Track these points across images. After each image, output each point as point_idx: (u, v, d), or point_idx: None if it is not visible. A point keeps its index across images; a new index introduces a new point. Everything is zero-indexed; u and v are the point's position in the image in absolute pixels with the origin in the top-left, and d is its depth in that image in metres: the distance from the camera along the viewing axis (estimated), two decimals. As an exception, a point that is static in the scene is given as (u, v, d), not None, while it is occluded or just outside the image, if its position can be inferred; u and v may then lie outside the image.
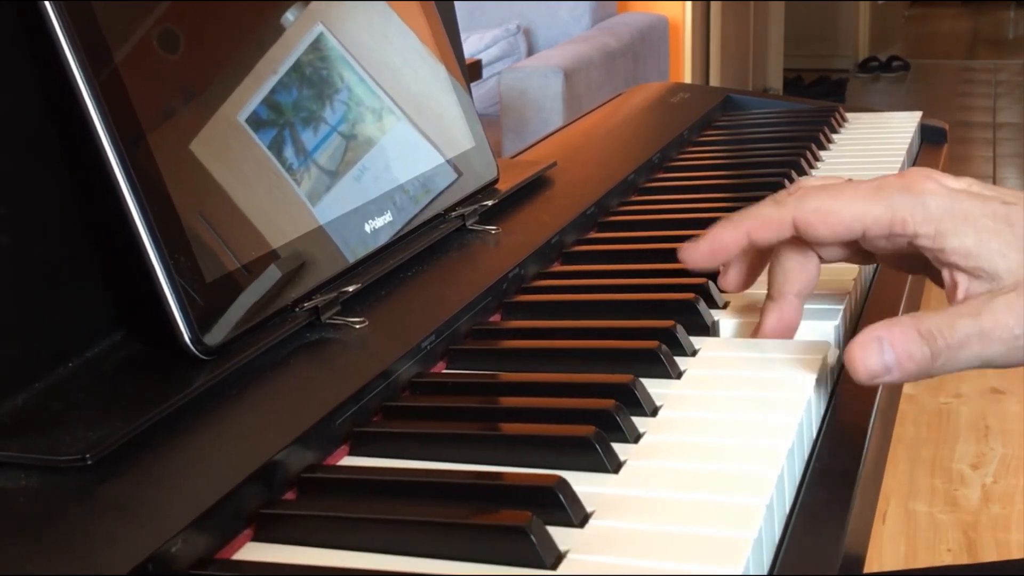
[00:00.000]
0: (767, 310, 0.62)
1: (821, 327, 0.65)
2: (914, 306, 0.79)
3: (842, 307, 0.67)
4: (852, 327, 0.70)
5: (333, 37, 0.73)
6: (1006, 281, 0.55)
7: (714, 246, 0.63)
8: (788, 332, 0.62)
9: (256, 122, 0.64)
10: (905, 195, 0.58)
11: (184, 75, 0.60)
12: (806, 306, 0.67)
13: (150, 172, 0.56)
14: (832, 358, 0.63)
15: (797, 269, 0.61)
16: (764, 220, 0.61)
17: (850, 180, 0.62)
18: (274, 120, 0.66)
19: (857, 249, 0.62)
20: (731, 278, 0.66)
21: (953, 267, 0.57)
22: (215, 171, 0.60)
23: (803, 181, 0.63)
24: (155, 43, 0.59)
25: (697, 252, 0.64)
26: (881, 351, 0.53)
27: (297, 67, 0.69)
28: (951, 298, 0.57)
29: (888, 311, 0.73)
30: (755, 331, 0.63)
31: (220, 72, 0.63)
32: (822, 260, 0.62)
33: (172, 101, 0.59)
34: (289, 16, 0.70)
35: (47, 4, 0.53)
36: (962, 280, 0.57)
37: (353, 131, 0.72)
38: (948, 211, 0.57)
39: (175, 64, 0.60)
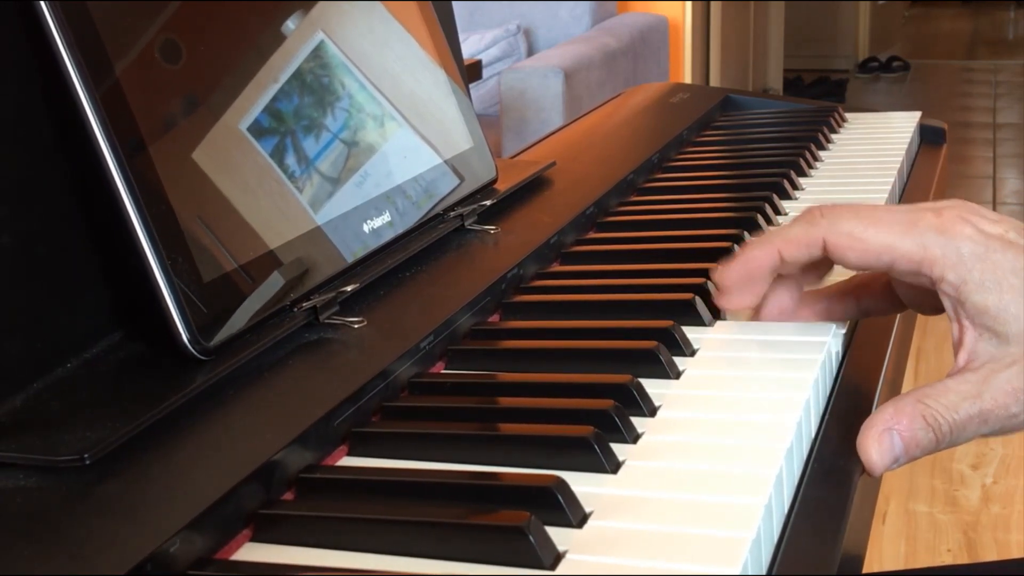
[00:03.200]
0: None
1: (822, 327, 0.65)
2: (910, 315, 0.79)
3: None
4: (851, 327, 0.70)
5: (333, 44, 0.73)
6: (1012, 348, 0.56)
7: (748, 266, 0.62)
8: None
9: (258, 130, 0.64)
10: (939, 236, 0.57)
11: (185, 83, 0.60)
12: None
13: (148, 175, 0.56)
14: (831, 358, 0.63)
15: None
16: (795, 239, 0.60)
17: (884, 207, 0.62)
18: (275, 128, 0.66)
19: (883, 294, 0.62)
20: (735, 298, 0.66)
21: (966, 323, 0.57)
22: (216, 177, 0.60)
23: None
24: (155, 51, 0.59)
25: (732, 272, 0.63)
26: (892, 445, 0.55)
27: (298, 75, 0.69)
28: (955, 351, 0.58)
29: (884, 318, 0.72)
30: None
31: (222, 80, 0.63)
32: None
33: (172, 107, 0.59)
34: (290, 24, 0.70)
35: (44, 6, 0.53)
36: (969, 338, 0.57)
37: (354, 138, 0.72)
38: (979, 259, 0.56)
39: (176, 72, 0.60)
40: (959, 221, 0.58)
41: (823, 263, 0.62)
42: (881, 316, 0.68)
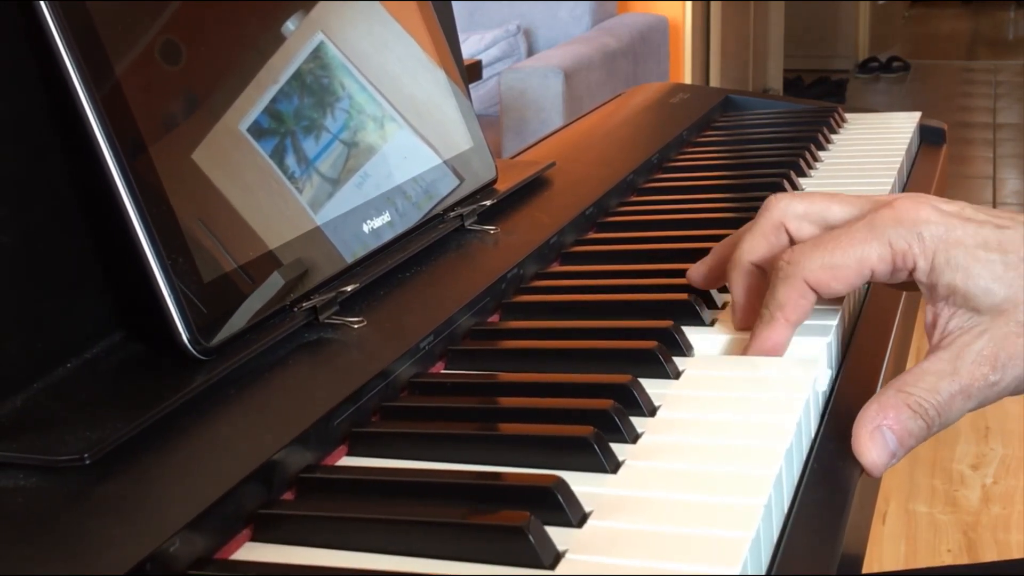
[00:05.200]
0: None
1: (820, 327, 0.65)
2: (910, 313, 0.79)
3: (840, 308, 0.67)
4: (851, 328, 0.70)
5: (333, 45, 0.73)
6: (983, 318, 0.57)
7: (768, 348, 0.62)
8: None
9: (258, 131, 0.64)
10: (899, 227, 0.58)
11: (185, 84, 0.60)
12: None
13: (149, 176, 0.56)
14: (831, 358, 0.63)
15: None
16: (789, 301, 0.60)
17: (832, 195, 0.62)
18: (275, 129, 0.66)
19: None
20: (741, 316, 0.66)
21: (940, 304, 0.58)
22: (216, 177, 0.60)
23: (792, 239, 0.63)
24: (155, 52, 0.59)
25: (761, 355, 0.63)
26: (886, 441, 0.55)
27: (298, 76, 0.69)
28: (928, 333, 0.58)
29: (885, 315, 0.73)
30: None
31: (221, 81, 0.63)
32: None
33: (172, 108, 0.59)
34: (290, 25, 0.70)
35: (45, 6, 0.53)
36: (943, 318, 0.58)
37: (354, 138, 0.72)
38: (942, 240, 0.57)
39: (176, 73, 0.60)
40: (914, 207, 0.58)
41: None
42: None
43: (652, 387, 0.58)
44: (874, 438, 0.54)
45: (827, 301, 0.67)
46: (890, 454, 0.55)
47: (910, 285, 0.64)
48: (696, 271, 0.70)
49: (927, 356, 0.57)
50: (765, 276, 0.65)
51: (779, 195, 0.64)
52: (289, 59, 0.69)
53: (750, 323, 0.64)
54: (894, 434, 0.55)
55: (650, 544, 0.45)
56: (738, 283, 0.65)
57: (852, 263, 0.59)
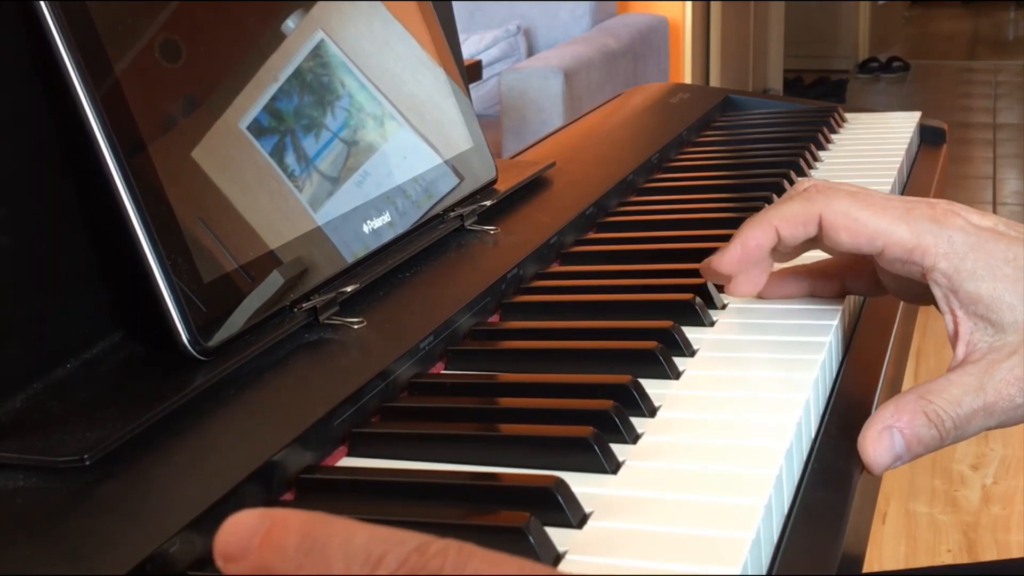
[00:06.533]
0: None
1: (820, 327, 0.65)
2: (911, 314, 0.79)
3: (840, 308, 0.67)
4: (851, 328, 0.70)
5: (333, 44, 0.73)
6: (1009, 337, 0.56)
7: (746, 247, 0.61)
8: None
9: (257, 129, 0.64)
10: (932, 224, 0.58)
11: (185, 82, 0.60)
12: (804, 308, 0.67)
13: (148, 175, 0.56)
14: (831, 359, 0.63)
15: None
16: (792, 216, 0.60)
17: (871, 193, 0.62)
18: (275, 127, 0.66)
19: (868, 276, 0.62)
20: (743, 282, 0.66)
21: (960, 313, 0.57)
22: (215, 176, 0.60)
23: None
24: (155, 50, 0.59)
25: (729, 257, 0.62)
26: (892, 443, 0.54)
27: (298, 74, 0.69)
28: (952, 344, 0.58)
29: (885, 315, 0.73)
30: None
31: (221, 79, 0.63)
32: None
33: (172, 106, 0.59)
34: (290, 23, 0.70)
35: (44, 6, 0.53)
36: (965, 329, 0.57)
37: (354, 137, 0.72)
38: (972, 248, 0.57)
39: (176, 71, 0.60)
40: (951, 214, 0.58)
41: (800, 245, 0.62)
42: (862, 296, 0.69)
43: (652, 387, 0.58)
44: (881, 438, 0.54)
45: (827, 301, 0.68)
46: (895, 456, 0.54)
47: (912, 297, 0.64)
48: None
49: (955, 368, 0.57)
50: (769, 257, 0.65)
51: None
52: (289, 57, 0.69)
53: (724, 270, 0.64)
54: (903, 438, 0.54)
55: (650, 545, 0.45)
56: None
57: (872, 228, 0.58)
